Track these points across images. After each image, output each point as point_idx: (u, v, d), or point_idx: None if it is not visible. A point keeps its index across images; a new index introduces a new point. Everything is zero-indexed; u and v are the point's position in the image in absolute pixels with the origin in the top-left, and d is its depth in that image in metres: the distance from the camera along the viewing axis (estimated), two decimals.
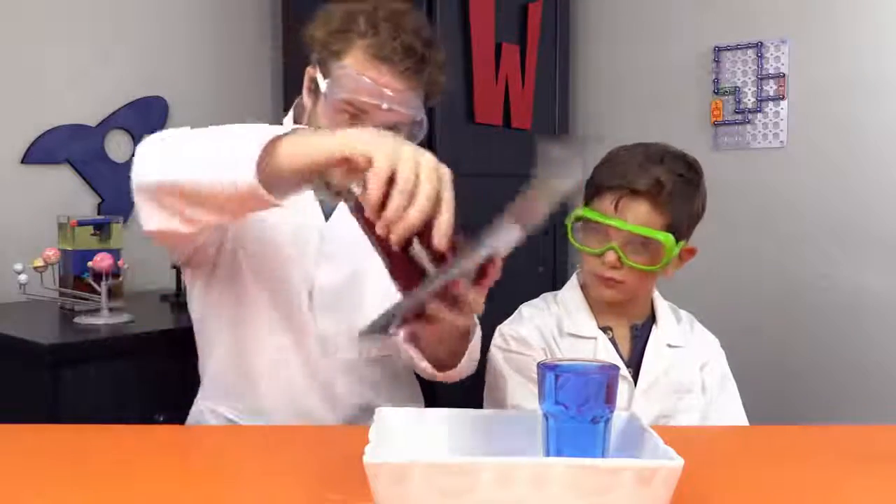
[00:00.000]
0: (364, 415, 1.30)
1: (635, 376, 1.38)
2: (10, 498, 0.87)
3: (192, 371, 1.42)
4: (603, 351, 1.37)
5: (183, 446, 1.12)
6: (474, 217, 0.89)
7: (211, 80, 2.52)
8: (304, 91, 1.32)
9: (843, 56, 2.32)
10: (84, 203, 2.26)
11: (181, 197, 1.05)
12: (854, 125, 2.31)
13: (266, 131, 0.97)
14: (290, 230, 1.30)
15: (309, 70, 1.30)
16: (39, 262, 1.82)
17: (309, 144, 0.95)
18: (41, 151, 2.18)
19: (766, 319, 2.45)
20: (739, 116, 2.50)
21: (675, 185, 1.32)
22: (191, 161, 1.03)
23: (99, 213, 2.24)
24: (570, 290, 1.45)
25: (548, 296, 1.48)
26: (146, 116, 2.36)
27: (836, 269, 2.35)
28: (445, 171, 0.88)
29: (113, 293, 1.82)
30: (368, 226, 0.89)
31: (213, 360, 1.36)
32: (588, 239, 1.38)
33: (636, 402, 1.35)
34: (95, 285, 1.79)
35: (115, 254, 1.83)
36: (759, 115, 2.47)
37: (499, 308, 1.23)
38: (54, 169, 2.21)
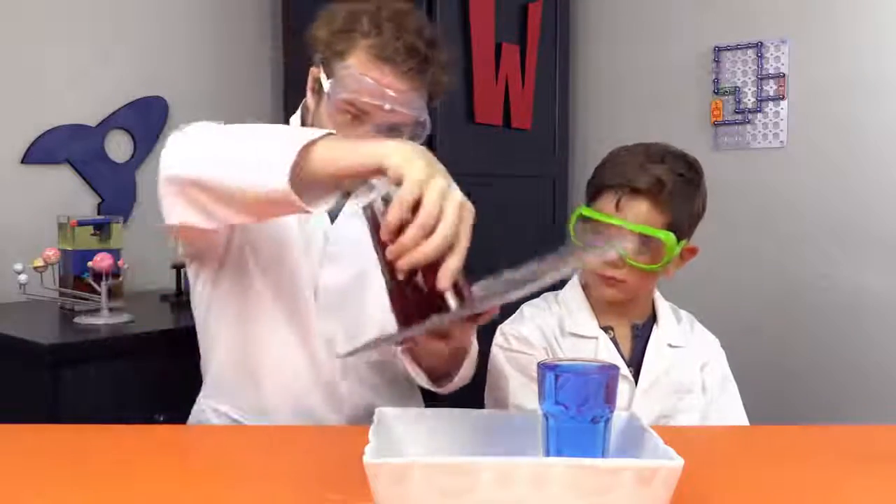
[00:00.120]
0: (367, 416, 1.30)
1: (636, 376, 1.38)
2: (10, 498, 0.87)
3: (193, 371, 1.42)
4: (604, 350, 1.37)
5: (183, 446, 1.12)
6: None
7: (211, 80, 2.52)
8: (308, 91, 1.32)
9: (843, 56, 2.32)
10: (84, 203, 2.26)
11: (211, 194, 1.05)
12: (854, 125, 2.31)
13: (300, 135, 0.97)
14: (296, 230, 1.30)
15: (313, 70, 1.30)
16: (39, 262, 1.82)
17: (345, 151, 0.96)
18: (41, 151, 2.18)
19: (766, 319, 2.45)
20: (739, 116, 2.50)
21: (675, 185, 1.33)
22: (225, 160, 1.03)
23: (99, 213, 2.24)
24: (572, 290, 1.45)
25: (549, 295, 1.48)
26: (146, 116, 2.36)
27: (836, 269, 2.35)
28: (469, 211, 0.87)
29: (113, 293, 1.82)
30: (380, 244, 0.89)
31: (216, 358, 1.36)
32: (590, 238, 1.38)
33: (637, 402, 1.35)
34: (95, 285, 1.79)
35: (115, 254, 1.83)
36: (759, 115, 2.47)
37: (500, 307, 1.22)
38: (54, 169, 2.21)
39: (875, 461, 1.03)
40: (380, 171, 0.91)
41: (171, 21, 2.43)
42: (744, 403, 1.45)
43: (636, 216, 1.32)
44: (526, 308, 1.46)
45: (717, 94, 2.54)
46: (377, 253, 0.91)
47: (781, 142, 2.44)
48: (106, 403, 1.63)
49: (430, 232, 0.84)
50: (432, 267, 0.86)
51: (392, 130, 1.24)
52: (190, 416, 1.41)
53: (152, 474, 0.95)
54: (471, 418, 0.95)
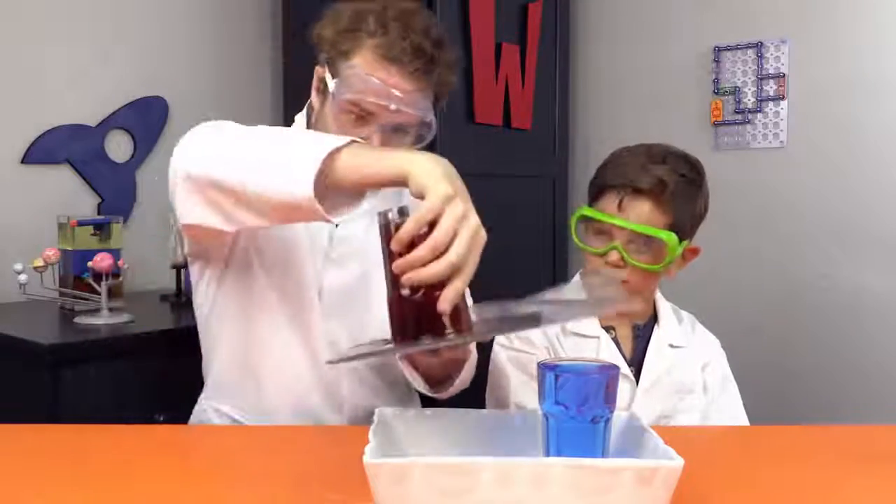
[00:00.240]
0: (368, 418, 1.30)
1: (637, 376, 1.38)
2: (10, 498, 0.87)
3: (193, 371, 1.42)
4: (606, 350, 1.37)
5: (183, 446, 1.12)
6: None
7: (211, 80, 2.52)
8: (313, 91, 1.32)
9: (843, 56, 2.32)
10: (84, 203, 2.26)
11: (232, 197, 1.05)
12: (854, 125, 2.31)
13: (325, 141, 0.97)
14: (301, 231, 1.30)
15: (318, 70, 1.30)
16: (39, 262, 1.82)
17: (369, 160, 0.96)
18: (41, 151, 2.18)
19: (767, 319, 2.45)
20: (739, 116, 2.50)
21: (677, 185, 1.33)
22: (248, 164, 1.03)
23: (99, 213, 2.24)
24: (574, 290, 1.45)
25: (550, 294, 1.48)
26: (146, 116, 2.36)
27: (836, 269, 2.35)
28: (482, 238, 0.89)
29: (113, 293, 1.82)
30: (389, 254, 0.90)
31: (219, 358, 1.36)
32: (591, 239, 1.38)
33: (638, 402, 1.35)
34: (95, 285, 1.79)
35: (115, 254, 1.83)
36: (759, 115, 2.47)
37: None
38: (54, 169, 2.21)
39: (875, 461, 1.03)
40: (403, 182, 0.92)
41: (171, 21, 2.43)
42: (744, 403, 1.45)
43: (638, 216, 1.32)
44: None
45: (717, 94, 2.54)
46: (384, 261, 0.91)
47: (781, 142, 2.44)
48: (106, 403, 1.63)
49: (439, 254, 0.85)
50: (435, 287, 0.87)
51: (397, 131, 1.24)
52: (191, 417, 1.41)
53: (152, 474, 0.95)
54: (471, 418, 0.95)
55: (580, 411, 0.82)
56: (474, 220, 0.88)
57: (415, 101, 1.22)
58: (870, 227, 2.30)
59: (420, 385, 1.27)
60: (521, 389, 1.35)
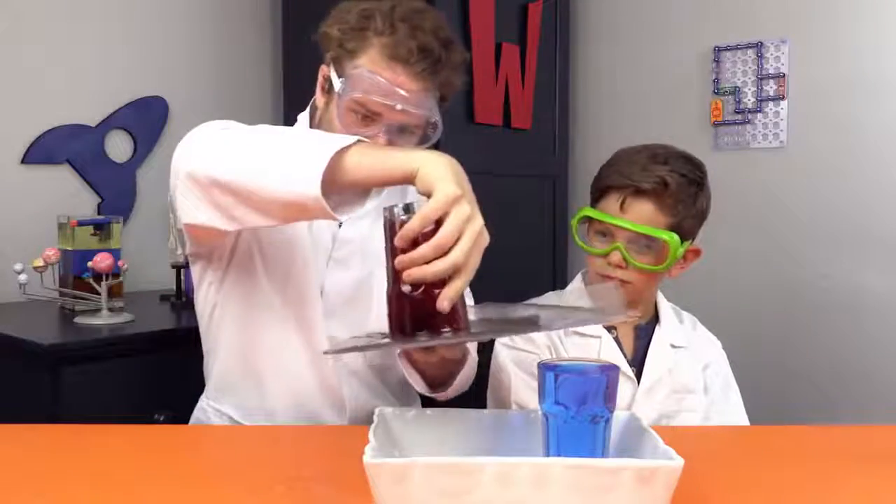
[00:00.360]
0: (369, 419, 1.30)
1: (638, 376, 1.38)
2: (10, 498, 0.87)
3: (193, 371, 1.42)
4: (607, 350, 1.38)
5: (183, 446, 1.12)
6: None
7: (211, 80, 2.52)
8: (318, 90, 1.31)
9: (843, 56, 2.32)
10: (84, 203, 2.26)
11: (236, 197, 1.05)
12: (854, 125, 2.31)
13: (331, 140, 0.98)
14: (304, 232, 1.30)
15: (323, 68, 1.29)
16: (39, 262, 1.82)
17: (377, 158, 0.97)
18: (41, 151, 2.18)
19: (766, 319, 2.45)
20: (739, 116, 2.50)
21: (679, 186, 1.33)
22: (253, 163, 1.03)
23: (99, 213, 2.24)
24: (576, 290, 1.45)
25: (551, 295, 1.49)
26: (146, 116, 2.36)
27: (836, 269, 2.35)
28: (485, 240, 0.90)
29: (113, 293, 1.82)
30: (392, 249, 0.90)
31: (220, 358, 1.35)
32: (593, 239, 1.39)
33: (639, 402, 1.35)
34: (95, 285, 1.79)
35: (115, 254, 1.83)
36: (759, 115, 2.47)
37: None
38: (54, 169, 2.21)
39: (875, 461, 1.03)
40: (410, 180, 0.92)
41: (171, 21, 2.43)
42: (744, 403, 1.45)
43: (640, 217, 1.33)
44: (530, 303, 1.46)
45: (717, 94, 2.54)
46: (386, 256, 0.92)
47: (781, 142, 2.44)
48: (106, 403, 1.63)
49: (442, 254, 0.86)
50: (435, 285, 0.88)
51: (403, 131, 1.24)
52: (192, 418, 1.41)
53: (152, 474, 0.95)
54: (471, 418, 0.95)
55: (580, 411, 0.82)
56: (479, 221, 0.89)
57: (421, 102, 1.21)
58: (870, 227, 2.30)
59: (420, 385, 1.27)
60: (523, 388, 1.35)
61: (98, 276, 1.77)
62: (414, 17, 1.22)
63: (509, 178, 2.52)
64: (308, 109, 1.38)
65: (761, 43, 2.45)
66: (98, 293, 1.79)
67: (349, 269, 1.33)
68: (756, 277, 2.48)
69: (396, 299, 0.91)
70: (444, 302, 0.87)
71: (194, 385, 1.42)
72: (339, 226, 1.33)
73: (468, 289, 0.94)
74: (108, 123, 2.30)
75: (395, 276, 0.90)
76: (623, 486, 0.75)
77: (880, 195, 2.28)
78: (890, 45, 2.26)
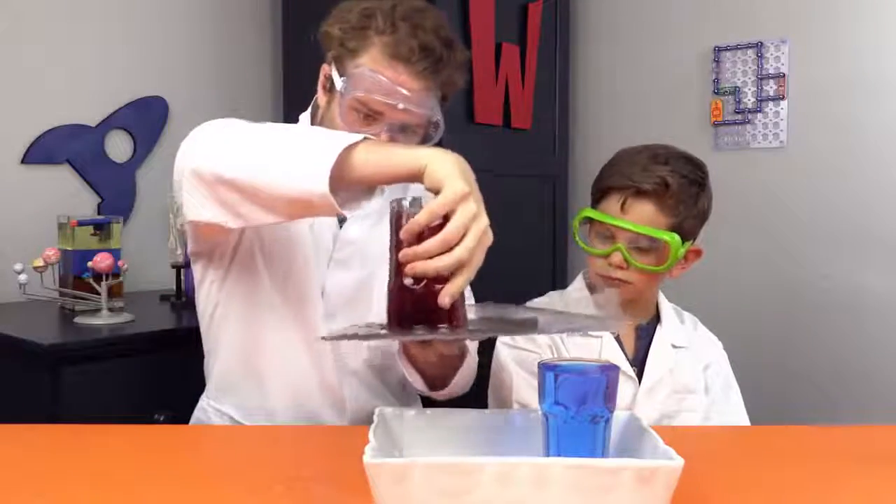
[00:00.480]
0: (369, 419, 1.30)
1: (639, 375, 1.38)
2: (10, 498, 0.87)
3: (193, 371, 1.42)
4: (609, 350, 1.38)
5: (183, 446, 1.12)
6: None
7: (211, 80, 2.52)
8: (320, 89, 1.31)
9: (843, 56, 2.32)
10: (84, 203, 2.26)
11: (243, 193, 1.05)
12: (854, 125, 2.31)
13: (339, 137, 0.98)
14: (305, 232, 1.30)
15: (324, 67, 1.29)
16: (39, 262, 1.82)
17: (384, 155, 0.97)
18: (41, 151, 2.18)
19: (767, 319, 2.45)
20: (739, 116, 2.50)
21: (680, 186, 1.33)
22: (260, 159, 1.03)
23: (99, 213, 2.24)
24: (577, 290, 1.46)
25: (553, 294, 1.49)
26: (146, 116, 2.36)
27: (836, 270, 2.35)
28: (488, 240, 0.91)
29: (113, 293, 1.82)
30: (397, 241, 0.91)
31: (221, 358, 1.35)
32: (594, 240, 1.39)
33: (640, 402, 1.36)
34: (95, 285, 1.79)
35: (115, 254, 1.83)
36: (759, 115, 2.47)
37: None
38: (54, 169, 2.21)
39: (875, 461, 1.03)
40: (418, 177, 0.93)
41: (171, 21, 2.43)
42: (745, 403, 1.45)
43: (641, 218, 1.33)
44: (531, 306, 1.46)
45: (717, 94, 2.54)
46: (390, 248, 0.93)
47: (781, 142, 2.44)
48: (106, 403, 1.63)
49: (447, 249, 0.87)
50: (437, 280, 0.89)
51: (405, 130, 1.24)
52: (192, 417, 1.41)
53: (152, 474, 0.95)
54: (471, 418, 0.95)
55: (580, 411, 0.82)
56: (484, 220, 0.90)
57: (423, 101, 1.21)
58: (870, 227, 2.30)
59: (419, 384, 1.27)
60: (524, 388, 1.35)
61: (98, 276, 1.77)
62: (415, 16, 1.22)
63: (509, 178, 2.52)
64: (310, 109, 1.38)
65: (761, 43, 2.45)
66: (98, 293, 1.79)
67: (350, 270, 1.33)
68: (756, 278, 2.48)
69: (397, 292, 0.92)
70: (445, 298, 0.88)
71: (194, 385, 1.42)
72: (340, 227, 1.33)
73: (468, 287, 0.94)
74: (108, 123, 2.30)
75: (397, 268, 0.91)
76: (623, 486, 0.75)
77: (880, 195, 2.28)
78: (890, 45, 2.26)
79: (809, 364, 2.38)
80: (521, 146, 2.61)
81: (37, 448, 1.05)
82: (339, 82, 1.23)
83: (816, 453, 1.09)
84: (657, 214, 1.33)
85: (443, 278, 0.88)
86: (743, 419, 1.43)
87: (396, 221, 0.91)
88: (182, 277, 2.07)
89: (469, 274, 0.89)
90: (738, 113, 2.50)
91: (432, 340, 1.02)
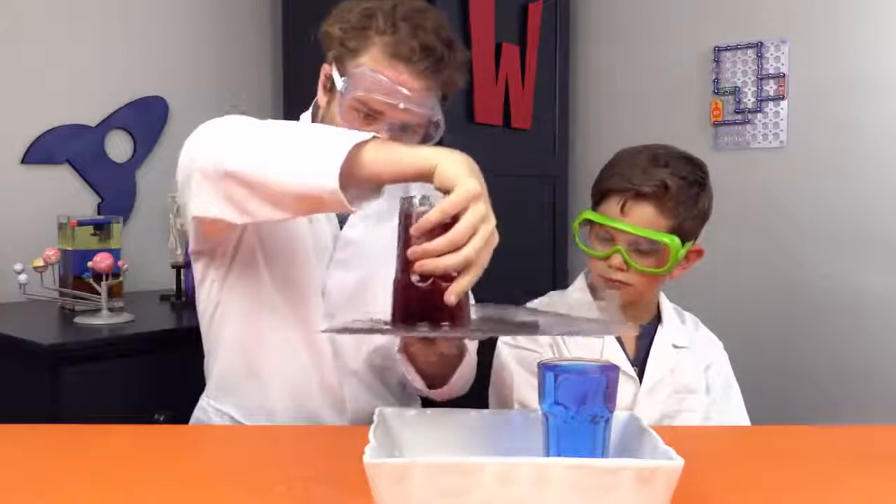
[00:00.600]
0: (369, 420, 1.30)
1: (640, 375, 1.38)
2: (10, 498, 0.87)
3: (193, 371, 1.42)
4: (610, 350, 1.38)
5: (183, 446, 1.12)
6: None
7: (211, 80, 2.52)
8: (320, 89, 1.31)
9: (843, 56, 2.32)
10: (84, 203, 2.26)
11: (250, 189, 1.05)
12: (854, 125, 2.31)
13: (348, 135, 0.98)
14: (306, 232, 1.30)
15: (325, 67, 1.29)
16: (39, 262, 1.82)
17: (394, 153, 0.98)
18: (41, 151, 2.18)
19: (767, 319, 2.45)
20: (739, 116, 2.50)
21: (680, 188, 1.33)
22: (269, 155, 1.03)
23: (99, 213, 2.24)
24: (579, 290, 1.46)
25: (554, 294, 1.49)
26: (146, 116, 2.36)
27: (836, 269, 2.35)
28: (495, 241, 0.92)
29: (113, 293, 1.82)
30: (406, 238, 0.92)
31: (221, 358, 1.35)
32: (594, 242, 1.39)
33: (640, 402, 1.36)
34: (95, 285, 1.79)
35: (115, 254, 1.83)
36: (759, 115, 2.47)
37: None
38: (54, 169, 2.21)
39: (875, 461, 1.03)
40: (427, 176, 0.94)
41: (171, 21, 2.43)
42: (745, 403, 1.45)
43: (641, 220, 1.33)
44: (531, 306, 1.46)
45: (717, 94, 2.54)
46: (398, 245, 0.93)
47: (781, 142, 2.44)
48: (106, 403, 1.63)
49: (456, 249, 0.88)
50: (443, 279, 0.90)
51: (406, 129, 1.24)
52: (192, 417, 1.41)
53: (152, 474, 0.95)
54: (471, 418, 0.95)
55: (580, 411, 0.82)
56: (492, 221, 0.91)
57: (423, 100, 1.21)
58: (870, 227, 2.30)
59: (418, 383, 1.27)
60: (525, 387, 1.35)
61: (98, 276, 1.77)
62: (415, 16, 1.22)
63: (509, 178, 2.52)
64: (311, 109, 1.38)
65: (761, 43, 2.45)
66: (98, 293, 1.79)
67: (350, 270, 1.33)
68: (756, 278, 2.48)
69: (403, 289, 0.93)
70: (451, 296, 0.89)
71: (194, 385, 1.42)
72: (341, 227, 1.34)
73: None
74: (108, 123, 2.30)
75: (405, 265, 0.91)
76: (623, 486, 0.75)
77: (880, 195, 2.28)
78: (890, 45, 2.26)
79: (809, 364, 2.38)
80: (521, 146, 2.61)
81: (37, 448, 1.05)
82: (339, 82, 1.23)
83: (816, 453, 1.09)
84: (657, 216, 1.33)
85: (449, 277, 0.89)
86: (743, 419, 1.43)
87: (406, 219, 0.92)
88: (182, 277, 2.07)
89: (475, 273, 0.90)
90: (738, 113, 2.50)
91: (434, 338, 1.03)
